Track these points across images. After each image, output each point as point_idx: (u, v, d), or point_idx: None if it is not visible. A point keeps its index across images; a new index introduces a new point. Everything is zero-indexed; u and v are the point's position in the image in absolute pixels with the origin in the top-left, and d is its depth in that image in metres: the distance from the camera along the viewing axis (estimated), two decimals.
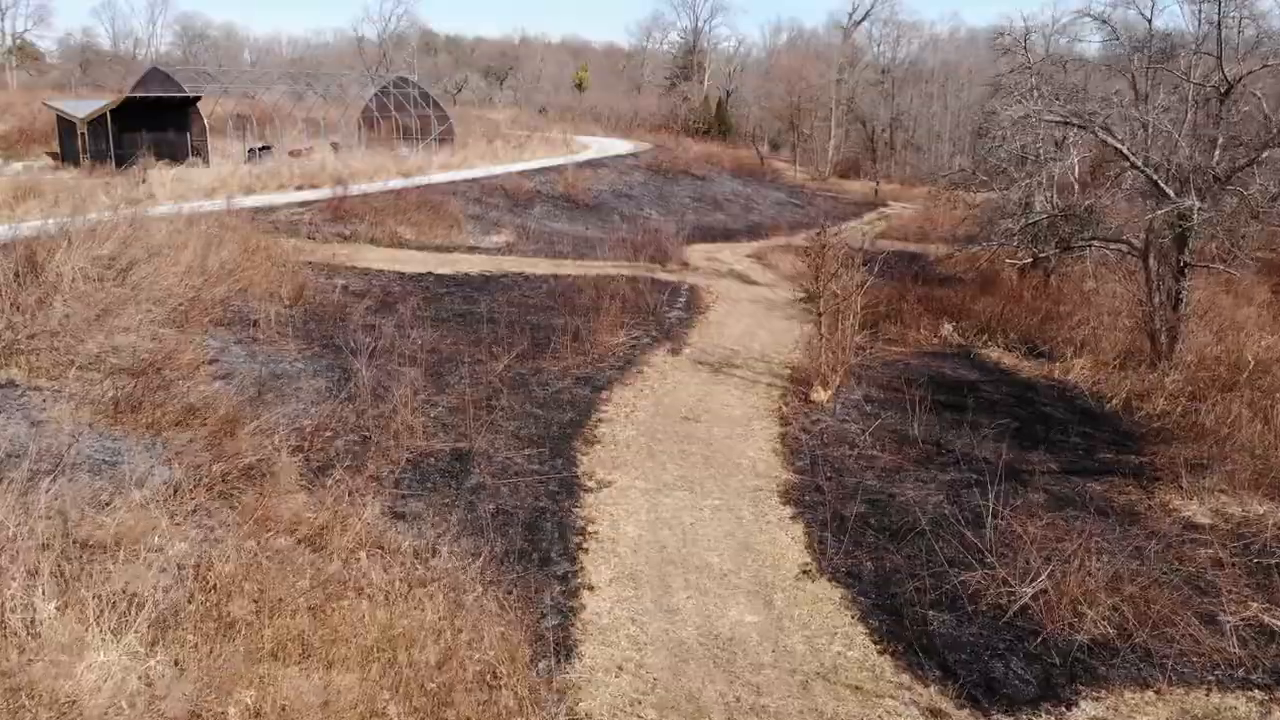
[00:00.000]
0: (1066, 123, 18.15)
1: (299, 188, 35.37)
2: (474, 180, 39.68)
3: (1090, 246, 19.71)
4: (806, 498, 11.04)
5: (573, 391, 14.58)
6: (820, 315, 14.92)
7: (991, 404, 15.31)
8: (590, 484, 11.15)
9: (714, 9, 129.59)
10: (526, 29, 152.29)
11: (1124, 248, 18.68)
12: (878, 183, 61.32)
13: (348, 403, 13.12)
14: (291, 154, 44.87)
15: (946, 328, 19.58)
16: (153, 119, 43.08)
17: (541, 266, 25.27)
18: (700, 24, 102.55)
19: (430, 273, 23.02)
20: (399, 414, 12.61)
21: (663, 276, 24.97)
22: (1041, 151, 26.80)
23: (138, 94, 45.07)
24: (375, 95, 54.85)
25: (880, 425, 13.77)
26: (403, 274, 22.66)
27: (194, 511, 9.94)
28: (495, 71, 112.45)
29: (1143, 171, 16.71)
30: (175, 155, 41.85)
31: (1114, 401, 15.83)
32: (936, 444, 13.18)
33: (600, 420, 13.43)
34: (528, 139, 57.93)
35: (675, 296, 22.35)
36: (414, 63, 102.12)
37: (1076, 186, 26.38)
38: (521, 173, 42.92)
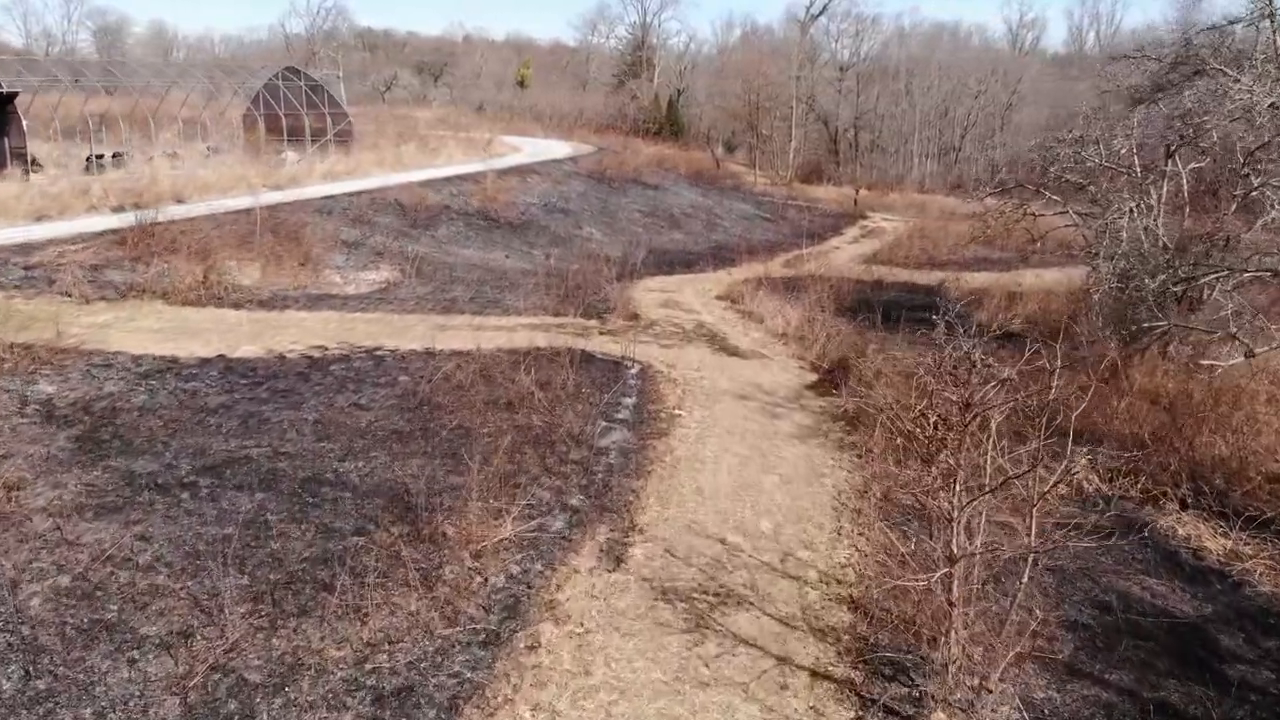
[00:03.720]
0: None
1: (116, 209, 26.15)
2: (362, 193, 30.68)
3: None
4: None
5: None
6: (952, 559, 6.49)
7: (1261, 698, 7.16)
8: None
9: (663, 2, 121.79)
10: (466, 24, 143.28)
11: None
12: (857, 191, 53.44)
13: None
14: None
15: (1080, 464, 11.42)
16: None
17: (415, 332, 16.62)
18: (649, 19, 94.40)
19: (221, 356, 14.25)
20: None
21: (599, 347, 16.48)
22: (1136, 160, 18.91)
23: None
24: (260, 91, 45.42)
25: None
26: (174, 361, 13.86)
27: None
28: (429, 68, 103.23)
29: None
30: None
31: None
32: None
33: None
34: (447, 140, 48.96)
35: (618, 398, 13.82)
36: (339, 58, 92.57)
37: (1187, 211, 18.53)
38: (428, 182, 33.99)
